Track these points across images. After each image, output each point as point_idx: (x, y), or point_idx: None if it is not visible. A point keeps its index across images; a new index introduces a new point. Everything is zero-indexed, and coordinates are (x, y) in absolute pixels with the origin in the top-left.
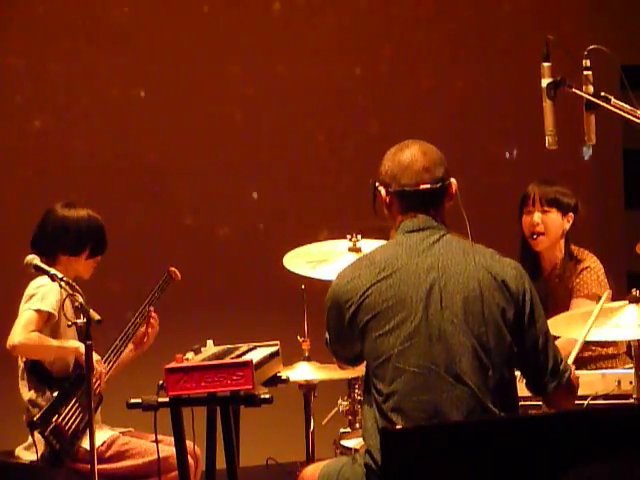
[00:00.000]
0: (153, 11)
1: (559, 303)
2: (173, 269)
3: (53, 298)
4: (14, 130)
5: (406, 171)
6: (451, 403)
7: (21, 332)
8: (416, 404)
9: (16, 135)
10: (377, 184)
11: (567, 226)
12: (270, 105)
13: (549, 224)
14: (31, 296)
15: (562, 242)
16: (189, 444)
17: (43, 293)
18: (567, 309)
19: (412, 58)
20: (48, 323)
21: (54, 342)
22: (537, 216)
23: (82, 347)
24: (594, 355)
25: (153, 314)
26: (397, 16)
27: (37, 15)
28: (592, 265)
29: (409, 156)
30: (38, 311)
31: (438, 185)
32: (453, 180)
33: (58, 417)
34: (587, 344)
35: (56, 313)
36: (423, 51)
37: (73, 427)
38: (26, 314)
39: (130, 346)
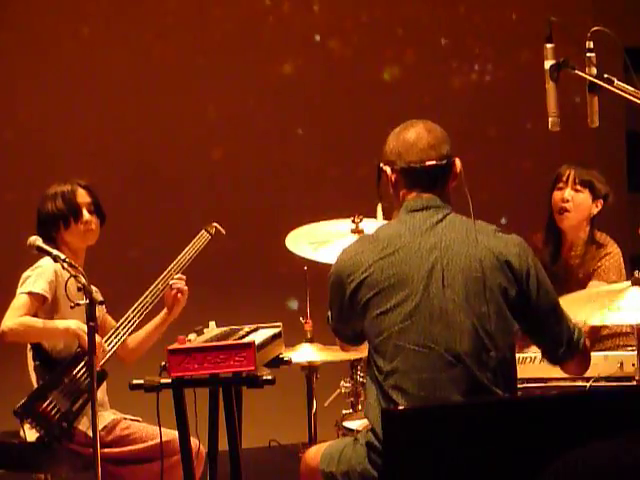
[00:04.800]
0: None
1: (576, 285)
2: (214, 224)
3: (46, 279)
4: (18, 115)
5: (412, 148)
6: (450, 382)
7: (11, 317)
8: (416, 382)
9: (19, 120)
10: (381, 164)
11: (595, 211)
12: (275, 91)
13: (578, 203)
14: (26, 278)
15: (587, 226)
16: (193, 441)
17: (37, 275)
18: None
19: (416, 38)
20: (44, 305)
21: (47, 324)
22: (568, 192)
23: (78, 327)
24: (611, 332)
25: (179, 275)
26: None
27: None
28: (614, 251)
29: (414, 134)
30: (30, 294)
31: (444, 162)
32: (457, 160)
33: (44, 402)
34: None
35: (49, 295)
36: (424, 30)
37: (63, 410)
38: (19, 298)
39: (165, 310)
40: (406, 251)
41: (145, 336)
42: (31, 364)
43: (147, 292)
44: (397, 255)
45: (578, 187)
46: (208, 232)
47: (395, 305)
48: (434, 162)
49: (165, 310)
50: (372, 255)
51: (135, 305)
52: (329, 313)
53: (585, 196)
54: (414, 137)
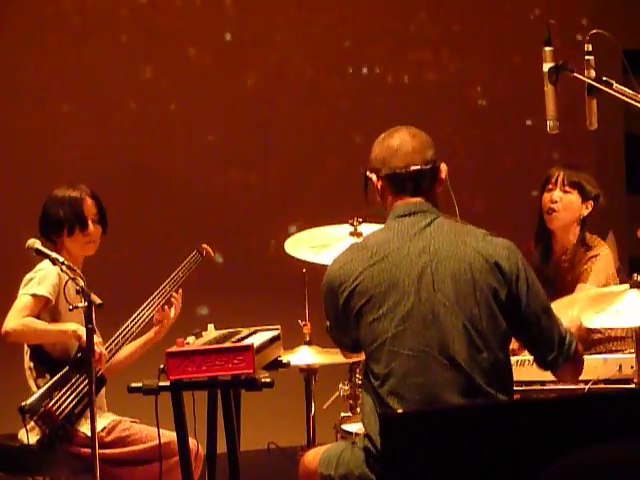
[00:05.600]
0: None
1: (566, 288)
2: (204, 245)
3: (50, 282)
4: (15, 119)
5: (396, 154)
6: (446, 385)
7: (14, 318)
8: (411, 387)
9: (18, 124)
10: (368, 172)
11: (585, 212)
12: (274, 91)
13: (567, 204)
14: (29, 280)
15: (577, 227)
16: (192, 442)
17: (40, 277)
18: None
19: (411, 37)
20: (46, 308)
21: (50, 326)
22: (557, 194)
23: (80, 329)
24: (604, 337)
25: (175, 295)
26: None
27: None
28: (602, 253)
29: (398, 140)
30: (34, 296)
31: (428, 166)
32: (443, 165)
33: (49, 401)
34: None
35: (53, 298)
36: (422, 30)
37: (66, 411)
38: (22, 299)
39: (153, 329)
40: (395, 256)
41: (127, 354)
42: (28, 365)
43: (144, 304)
44: (387, 261)
45: (567, 188)
46: (199, 252)
47: (387, 311)
48: (419, 167)
49: (152, 330)
50: (362, 263)
51: (133, 316)
52: (327, 323)
53: (574, 197)
54: (398, 143)
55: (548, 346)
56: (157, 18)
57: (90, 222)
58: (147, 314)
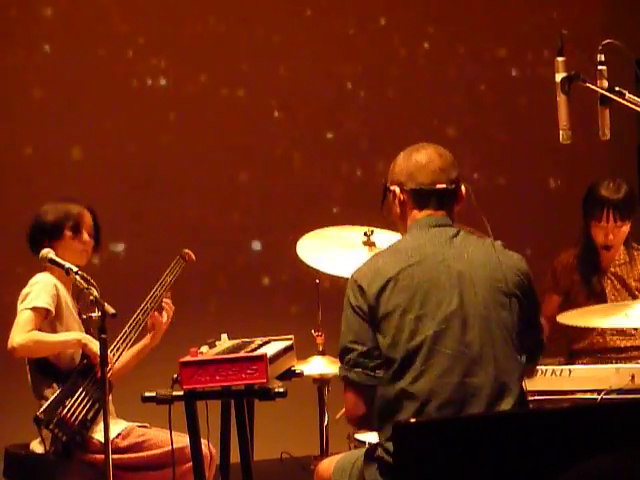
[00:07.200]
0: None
1: (624, 292)
2: (186, 251)
3: (48, 293)
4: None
5: (423, 170)
6: (479, 387)
7: (19, 333)
8: (446, 386)
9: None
10: (389, 184)
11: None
12: (286, 96)
13: (620, 237)
14: (26, 295)
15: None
16: (203, 442)
17: (37, 290)
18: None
19: (426, 46)
20: (46, 319)
21: (54, 337)
22: (612, 231)
23: (84, 337)
24: (636, 344)
25: (166, 300)
26: None
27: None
28: None
29: (426, 157)
30: (34, 309)
31: (453, 186)
32: (464, 185)
33: (63, 409)
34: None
35: (53, 308)
36: (436, 39)
37: (80, 417)
38: (23, 314)
39: (148, 335)
40: (432, 261)
41: (124, 362)
42: (32, 376)
43: (138, 311)
44: (425, 264)
45: (619, 223)
46: (182, 258)
47: (430, 310)
48: (444, 185)
49: (148, 336)
50: (399, 263)
51: (130, 322)
52: (346, 342)
53: (626, 228)
54: (426, 159)
55: (539, 347)
56: None
57: (84, 231)
58: (142, 320)
